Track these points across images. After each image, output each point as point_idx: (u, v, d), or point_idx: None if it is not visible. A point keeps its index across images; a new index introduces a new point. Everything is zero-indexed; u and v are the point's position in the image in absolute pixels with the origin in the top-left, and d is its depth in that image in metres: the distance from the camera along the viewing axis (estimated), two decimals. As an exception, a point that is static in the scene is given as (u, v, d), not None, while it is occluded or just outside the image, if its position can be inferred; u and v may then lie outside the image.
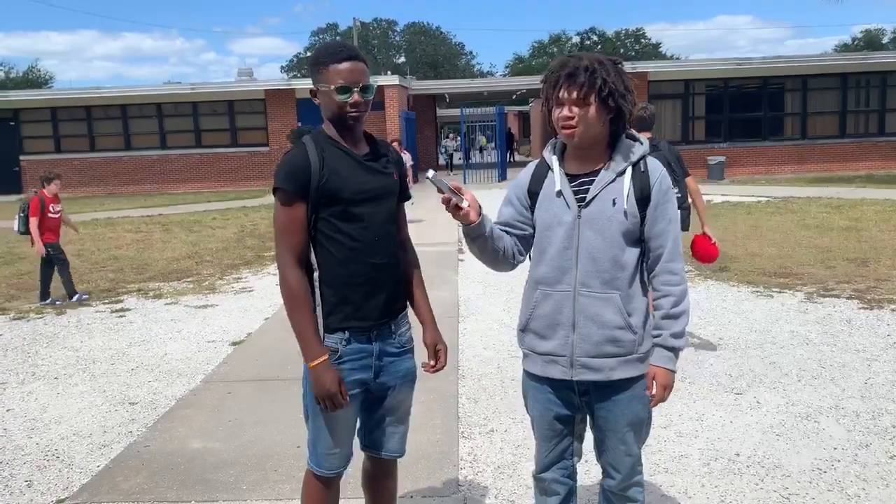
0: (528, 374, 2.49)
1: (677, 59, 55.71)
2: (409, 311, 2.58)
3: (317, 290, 2.35)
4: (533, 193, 2.39)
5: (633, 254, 2.29)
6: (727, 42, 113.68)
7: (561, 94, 2.21)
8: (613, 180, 2.28)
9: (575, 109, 2.20)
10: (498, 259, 2.39)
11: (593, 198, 2.27)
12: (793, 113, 23.43)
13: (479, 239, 2.29)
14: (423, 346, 2.59)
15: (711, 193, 17.28)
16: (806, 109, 23.23)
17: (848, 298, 6.91)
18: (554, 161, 2.37)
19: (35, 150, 25.03)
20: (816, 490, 3.36)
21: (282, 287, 2.33)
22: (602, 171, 2.29)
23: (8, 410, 4.78)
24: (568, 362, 2.33)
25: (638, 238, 2.30)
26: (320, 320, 2.36)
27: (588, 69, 2.18)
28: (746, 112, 23.26)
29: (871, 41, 65.09)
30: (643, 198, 2.27)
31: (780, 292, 7.30)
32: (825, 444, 3.85)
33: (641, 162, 2.31)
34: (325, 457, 2.45)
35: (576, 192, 2.30)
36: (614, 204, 2.25)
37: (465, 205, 2.18)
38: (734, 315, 6.51)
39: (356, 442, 2.55)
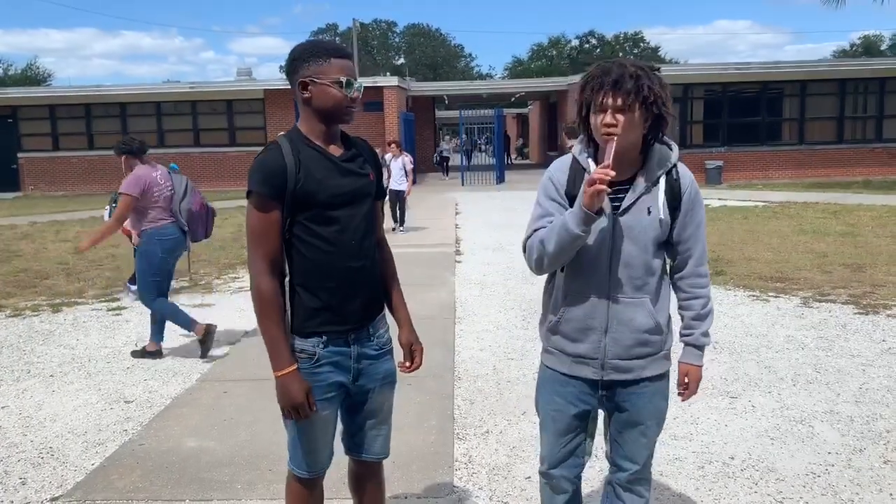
0: (553, 371, 2.45)
1: (676, 63, 55.81)
2: (387, 311, 2.57)
3: (287, 295, 2.32)
4: (570, 196, 2.31)
5: (660, 258, 2.35)
6: (726, 47, 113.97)
7: (605, 100, 2.17)
8: (649, 189, 2.27)
9: (619, 116, 2.17)
10: (566, 260, 2.30)
11: (629, 206, 2.27)
12: (791, 118, 23.47)
13: (585, 234, 2.19)
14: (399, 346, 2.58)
15: (709, 198, 17.30)
16: (804, 115, 23.27)
17: (844, 304, 6.93)
18: (591, 165, 2.31)
19: (33, 148, 25.01)
20: (810, 494, 3.37)
21: (253, 294, 2.28)
22: (637, 178, 2.27)
23: (3, 408, 4.77)
24: (599, 364, 2.36)
25: (665, 242, 2.34)
26: (289, 325, 2.33)
27: (633, 76, 2.16)
28: (745, 117, 23.29)
29: (869, 47, 65.30)
30: (674, 203, 2.29)
31: (776, 297, 7.31)
32: (819, 448, 3.86)
33: (674, 169, 2.31)
34: (305, 458, 2.44)
35: (610, 199, 2.26)
36: (649, 213, 2.26)
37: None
38: (730, 319, 6.52)
39: (341, 447, 2.54)
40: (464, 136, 29.45)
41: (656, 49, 71.72)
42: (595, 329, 2.33)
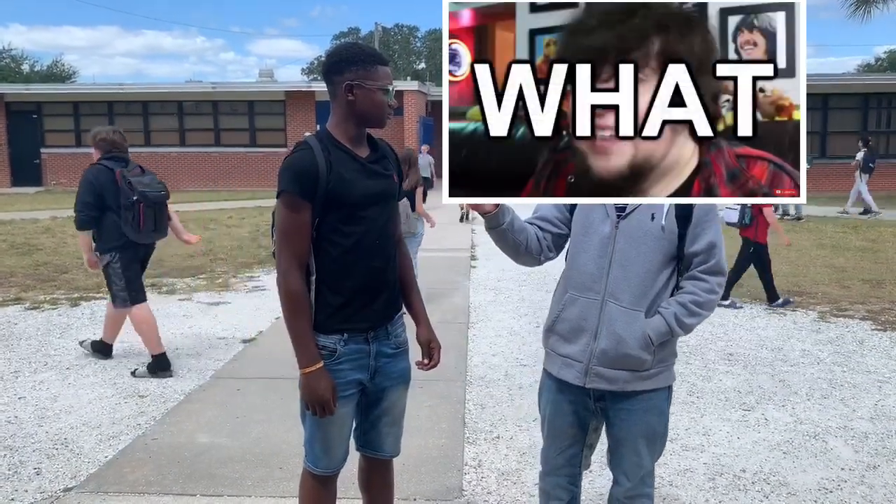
0: (547, 373, 2.50)
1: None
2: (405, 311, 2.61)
3: (312, 293, 2.35)
4: None
5: (665, 272, 2.31)
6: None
7: None
8: None
9: None
10: (519, 252, 2.41)
11: (633, 210, 2.28)
12: (812, 131, 23.25)
13: (496, 229, 2.34)
14: (417, 345, 2.60)
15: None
16: (826, 128, 23.07)
17: (861, 319, 6.86)
18: None
19: (56, 144, 25.29)
20: (822, 509, 3.34)
21: (281, 291, 2.31)
22: None
23: (20, 398, 4.83)
24: (583, 369, 2.34)
25: (674, 256, 2.31)
26: (311, 322, 2.36)
27: None
28: (765, 129, 23.09)
29: (894, 62, 64.59)
30: (684, 216, 2.27)
31: (792, 310, 7.25)
32: (832, 464, 3.82)
33: None
34: (321, 456, 2.46)
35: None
36: (653, 219, 2.26)
37: None
38: (745, 331, 6.47)
39: (352, 442, 2.57)
40: None
41: (678, 59, 71.44)
42: (586, 331, 2.33)
